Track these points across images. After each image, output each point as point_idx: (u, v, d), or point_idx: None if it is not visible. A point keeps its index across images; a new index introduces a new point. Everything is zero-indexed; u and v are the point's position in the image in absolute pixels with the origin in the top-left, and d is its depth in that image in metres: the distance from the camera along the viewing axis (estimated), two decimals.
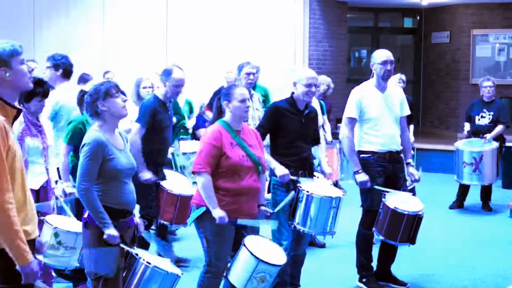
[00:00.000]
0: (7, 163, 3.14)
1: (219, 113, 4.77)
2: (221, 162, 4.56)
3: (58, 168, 5.59)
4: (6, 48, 3.18)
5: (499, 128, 8.85)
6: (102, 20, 13.55)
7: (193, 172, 4.63)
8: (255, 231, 4.84)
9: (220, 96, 4.78)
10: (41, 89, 5.08)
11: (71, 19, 13.76)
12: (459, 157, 8.74)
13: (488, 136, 8.74)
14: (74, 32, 13.61)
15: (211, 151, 4.55)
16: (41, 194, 5.19)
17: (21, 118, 5.03)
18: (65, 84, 6.58)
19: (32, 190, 5.08)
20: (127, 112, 4.26)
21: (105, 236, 4.04)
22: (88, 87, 5.65)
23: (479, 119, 9.01)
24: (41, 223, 4.89)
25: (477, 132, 8.96)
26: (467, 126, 9.13)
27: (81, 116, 5.50)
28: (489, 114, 8.94)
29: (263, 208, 4.82)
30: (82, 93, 4.36)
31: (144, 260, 4.14)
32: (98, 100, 4.12)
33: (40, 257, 4.74)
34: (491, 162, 8.64)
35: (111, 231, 4.05)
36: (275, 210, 5.01)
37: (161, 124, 6.11)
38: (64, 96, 6.39)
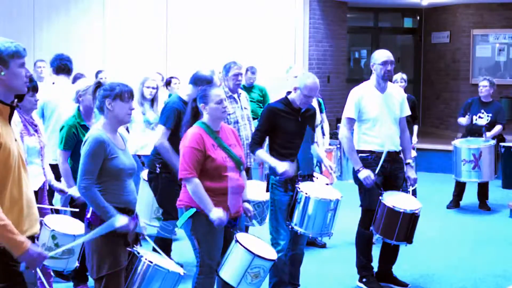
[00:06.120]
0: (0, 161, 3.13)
1: (194, 115, 4.73)
2: (206, 164, 4.55)
3: (49, 165, 5.46)
4: (9, 47, 3.17)
5: (498, 128, 8.90)
6: (102, 20, 13.54)
7: (180, 179, 4.59)
8: (242, 230, 4.83)
9: (196, 98, 4.75)
10: (29, 84, 5.06)
11: (71, 19, 13.75)
12: (457, 155, 8.75)
13: (488, 134, 8.76)
14: (74, 32, 13.60)
15: (195, 155, 4.52)
16: (38, 195, 5.10)
17: (18, 118, 5.00)
18: (51, 79, 6.70)
19: None
20: (130, 120, 4.26)
21: (117, 225, 3.89)
22: (80, 83, 5.65)
23: (476, 119, 9.02)
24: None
25: (474, 131, 8.97)
26: (464, 120, 9.04)
27: (73, 119, 5.40)
28: (487, 116, 8.97)
29: (245, 205, 4.82)
30: (97, 85, 4.33)
31: (145, 258, 4.15)
32: (108, 97, 4.12)
33: None
34: (489, 159, 8.66)
35: (120, 221, 3.91)
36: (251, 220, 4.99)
37: None
38: (46, 93, 6.46)
